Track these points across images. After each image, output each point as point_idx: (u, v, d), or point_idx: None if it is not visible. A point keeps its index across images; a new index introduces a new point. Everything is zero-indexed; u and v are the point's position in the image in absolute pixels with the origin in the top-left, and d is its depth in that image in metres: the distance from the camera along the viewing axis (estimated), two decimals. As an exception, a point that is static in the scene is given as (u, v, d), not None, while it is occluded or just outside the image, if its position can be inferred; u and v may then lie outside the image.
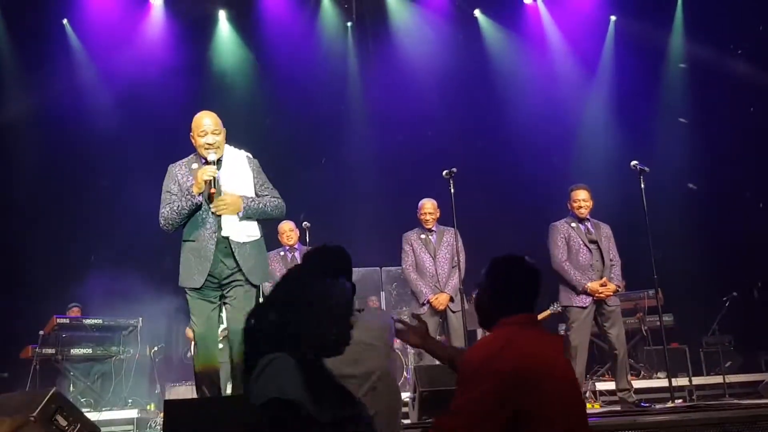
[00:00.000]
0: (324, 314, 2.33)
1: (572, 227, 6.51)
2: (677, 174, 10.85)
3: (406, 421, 4.84)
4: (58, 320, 8.86)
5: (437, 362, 3.39)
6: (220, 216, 4.59)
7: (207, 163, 4.64)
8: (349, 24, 12.57)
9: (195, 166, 4.74)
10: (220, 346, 9.36)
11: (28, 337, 8.90)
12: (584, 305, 6.30)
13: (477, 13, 12.46)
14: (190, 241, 4.69)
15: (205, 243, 4.61)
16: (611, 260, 6.50)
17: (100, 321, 9.21)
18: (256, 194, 4.75)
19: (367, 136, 11.77)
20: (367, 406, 2.60)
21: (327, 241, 2.54)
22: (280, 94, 11.77)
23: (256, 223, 4.76)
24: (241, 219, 4.61)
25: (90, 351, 9.22)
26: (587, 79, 12.26)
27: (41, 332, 8.74)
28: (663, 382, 7.76)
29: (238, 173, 4.72)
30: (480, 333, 9.47)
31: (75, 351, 9.04)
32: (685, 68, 11.91)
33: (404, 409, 5.61)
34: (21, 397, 5.20)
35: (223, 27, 12.22)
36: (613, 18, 12.20)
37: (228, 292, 4.71)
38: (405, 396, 6.13)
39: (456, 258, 6.82)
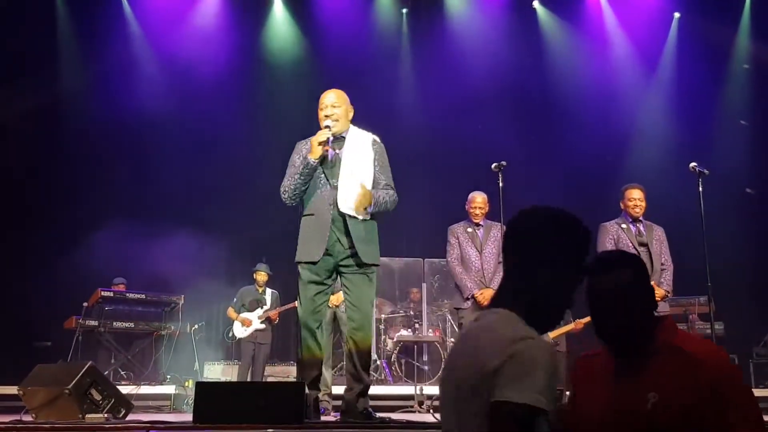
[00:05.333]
0: None
1: (622, 228, 6.31)
2: (734, 177, 10.52)
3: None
4: (102, 293, 9.00)
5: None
6: (336, 190, 4.56)
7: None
8: (404, 11, 12.44)
9: None
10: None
11: (73, 308, 9.05)
12: (629, 308, 6.10)
13: (536, 4, 12.23)
14: (308, 215, 4.63)
15: (322, 215, 4.55)
16: (662, 264, 6.28)
17: (143, 296, 9.34)
18: (375, 177, 4.72)
19: (417, 126, 11.58)
20: None
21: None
22: (332, 79, 11.67)
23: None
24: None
25: (132, 325, 9.36)
26: (647, 77, 11.96)
27: (85, 304, 8.88)
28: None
29: (360, 151, 4.78)
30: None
31: (117, 324, 9.19)
32: (748, 69, 11.56)
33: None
34: (57, 368, 5.25)
35: (278, 10, 12.20)
36: (676, 15, 11.86)
37: (345, 276, 4.60)
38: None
39: (501, 255, 6.63)
